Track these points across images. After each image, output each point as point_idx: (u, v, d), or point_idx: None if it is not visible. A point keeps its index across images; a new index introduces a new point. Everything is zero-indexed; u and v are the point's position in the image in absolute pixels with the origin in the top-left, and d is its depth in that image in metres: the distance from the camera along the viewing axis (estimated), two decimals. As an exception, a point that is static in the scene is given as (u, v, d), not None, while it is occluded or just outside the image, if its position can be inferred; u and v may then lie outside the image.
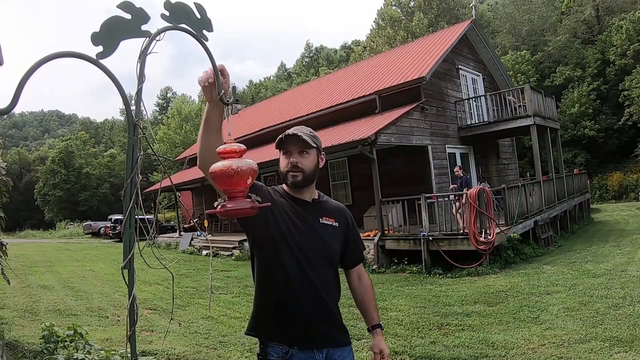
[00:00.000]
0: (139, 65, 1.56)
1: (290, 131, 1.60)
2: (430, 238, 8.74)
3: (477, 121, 13.58)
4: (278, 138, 1.61)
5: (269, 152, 11.69)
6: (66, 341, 3.50)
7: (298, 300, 1.53)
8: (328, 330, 1.59)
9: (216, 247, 14.02)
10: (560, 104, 23.84)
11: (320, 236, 1.61)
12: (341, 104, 13.32)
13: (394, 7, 35.14)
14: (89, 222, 32.29)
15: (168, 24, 1.57)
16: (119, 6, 1.50)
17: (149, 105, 60.70)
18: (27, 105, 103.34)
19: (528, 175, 17.21)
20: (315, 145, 1.61)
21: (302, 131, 1.61)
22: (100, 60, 1.50)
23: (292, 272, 1.54)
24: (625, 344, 3.82)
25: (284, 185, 1.69)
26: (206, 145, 1.45)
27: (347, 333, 1.70)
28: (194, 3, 1.60)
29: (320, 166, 1.67)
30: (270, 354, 1.56)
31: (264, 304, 1.61)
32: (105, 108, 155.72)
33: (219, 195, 1.44)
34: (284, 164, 1.63)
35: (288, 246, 1.55)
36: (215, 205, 1.26)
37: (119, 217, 22.95)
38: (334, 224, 1.67)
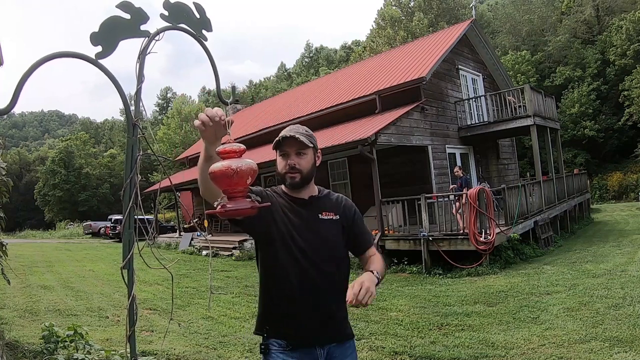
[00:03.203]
0: (138, 65, 1.56)
1: (287, 133, 1.60)
2: (430, 238, 8.74)
3: (477, 121, 13.58)
4: (275, 140, 1.63)
5: (269, 152, 11.64)
6: (66, 341, 3.50)
7: (298, 299, 1.56)
8: (327, 329, 1.60)
9: (216, 247, 14.01)
10: (560, 104, 23.83)
11: (319, 233, 1.62)
12: (341, 104, 13.32)
13: (394, 7, 35.12)
14: (89, 222, 32.24)
15: (167, 24, 1.57)
16: (118, 6, 1.50)
17: (148, 105, 60.70)
18: (27, 105, 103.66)
19: (528, 175, 17.20)
20: (311, 145, 1.63)
21: (299, 132, 1.61)
22: (99, 60, 1.50)
23: (292, 271, 1.56)
24: (625, 344, 3.81)
25: (282, 186, 1.70)
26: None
27: (350, 327, 1.70)
28: (193, 3, 1.60)
29: (317, 164, 1.69)
30: (272, 344, 1.59)
31: (267, 303, 1.64)
32: (105, 108, 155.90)
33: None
34: (281, 165, 1.64)
35: (287, 246, 1.57)
36: (215, 205, 1.26)
37: (119, 217, 22.91)
38: (333, 218, 1.67)
